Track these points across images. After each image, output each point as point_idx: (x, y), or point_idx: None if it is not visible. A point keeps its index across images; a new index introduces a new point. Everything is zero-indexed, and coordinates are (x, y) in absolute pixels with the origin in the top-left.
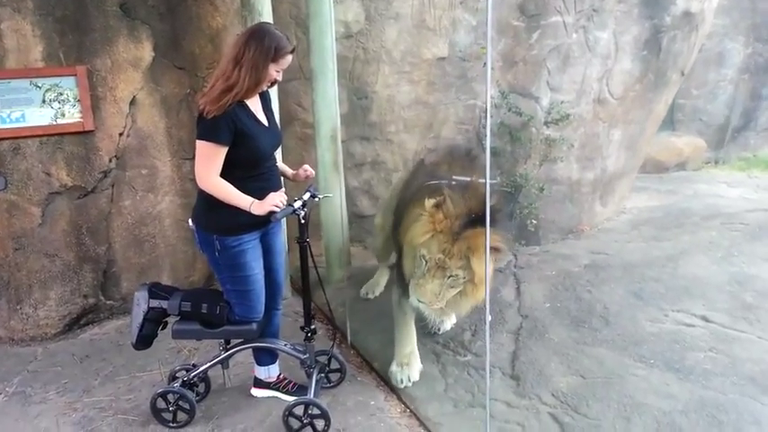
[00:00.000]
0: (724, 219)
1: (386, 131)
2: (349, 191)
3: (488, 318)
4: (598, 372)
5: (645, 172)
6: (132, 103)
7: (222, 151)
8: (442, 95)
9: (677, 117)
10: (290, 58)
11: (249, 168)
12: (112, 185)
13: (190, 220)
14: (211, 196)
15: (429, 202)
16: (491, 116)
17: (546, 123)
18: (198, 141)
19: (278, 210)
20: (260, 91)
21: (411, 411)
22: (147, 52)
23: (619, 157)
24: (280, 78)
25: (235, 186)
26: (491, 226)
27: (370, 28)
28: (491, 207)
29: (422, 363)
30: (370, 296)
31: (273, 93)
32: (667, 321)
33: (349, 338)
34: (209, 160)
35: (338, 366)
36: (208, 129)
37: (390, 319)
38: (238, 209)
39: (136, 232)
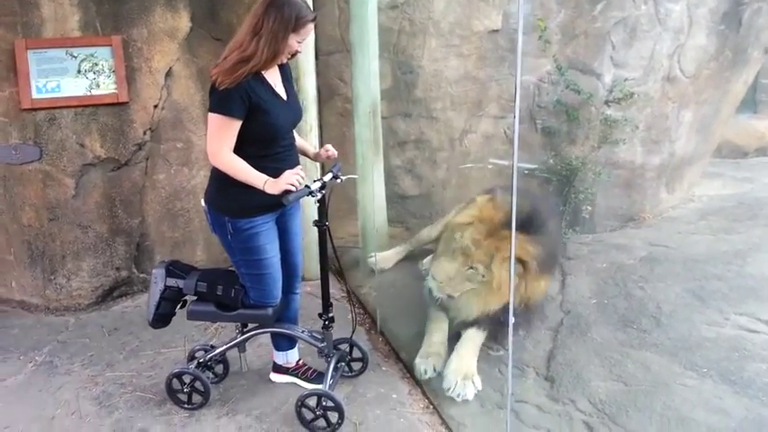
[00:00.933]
0: None
1: (431, 108)
2: (391, 169)
3: (512, 319)
4: (643, 379)
5: (720, 157)
6: (168, 74)
7: (235, 125)
8: (494, 71)
9: (760, 98)
10: (311, 27)
11: (264, 146)
12: (147, 158)
13: (202, 200)
14: (224, 175)
15: (483, 195)
16: (540, 94)
17: (607, 102)
18: (210, 114)
19: (294, 189)
20: (279, 63)
21: (434, 408)
22: (184, 22)
23: (689, 141)
24: (301, 50)
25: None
26: (535, 234)
27: None
28: (539, 215)
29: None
30: (375, 267)
31: (311, 66)
32: (727, 325)
33: (378, 325)
34: (222, 135)
35: (360, 355)
36: (220, 101)
37: (421, 308)
38: (252, 188)
39: (170, 206)
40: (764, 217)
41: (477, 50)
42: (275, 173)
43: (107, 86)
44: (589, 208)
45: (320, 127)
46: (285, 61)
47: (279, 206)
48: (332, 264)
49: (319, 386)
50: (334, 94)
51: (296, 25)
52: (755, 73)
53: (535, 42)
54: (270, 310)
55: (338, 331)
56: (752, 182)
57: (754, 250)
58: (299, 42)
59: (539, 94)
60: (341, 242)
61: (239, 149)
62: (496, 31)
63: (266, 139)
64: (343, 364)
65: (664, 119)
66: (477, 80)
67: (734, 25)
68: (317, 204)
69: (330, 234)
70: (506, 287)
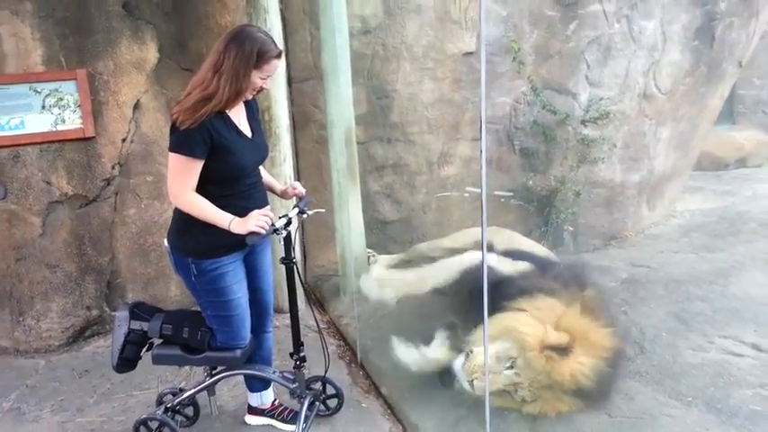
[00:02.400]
0: None
1: (408, 132)
2: (370, 195)
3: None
4: (627, 409)
5: (701, 169)
6: (136, 107)
7: (197, 165)
8: (469, 93)
9: (738, 109)
10: (276, 63)
11: (228, 185)
12: (116, 193)
13: (165, 241)
14: (186, 215)
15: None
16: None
17: (583, 122)
18: (170, 154)
19: (262, 231)
20: (242, 100)
21: None
22: (151, 53)
23: (668, 157)
24: (267, 86)
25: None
26: None
27: (390, 22)
28: None
29: (434, 392)
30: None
31: (282, 94)
32: (712, 350)
33: (359, 357)
34: (183, 175)
35: (334, 392)
36: (181, 141)
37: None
38: (216, 228)
39: (141, 242)
40: (747, 233)
41: (451, 73)
42: (241, 211)
43: (73, 122)
44: (570, 228)
45: (296, 155)
46: (250, 97)
47: (245, 245)
48: (311, 294)
49: (291, 427)
50: (309, 120)
51: (258, 62)
52: (731, 87)
53: (509, 64)
54: (238, 352)
55: (315, 366)
56: (733, 195)
57: (737, 268)
58: (263, 79)
59: (515, 115)
60: (321, 270)
61: (202, 189)
62: (471, 53)
63: (230, 179)
64: (317, 402)
65: (641, 136)
66: (453, 103)
67: (707, 40)
68: (282, 242)
69: (299, 270)
70: None
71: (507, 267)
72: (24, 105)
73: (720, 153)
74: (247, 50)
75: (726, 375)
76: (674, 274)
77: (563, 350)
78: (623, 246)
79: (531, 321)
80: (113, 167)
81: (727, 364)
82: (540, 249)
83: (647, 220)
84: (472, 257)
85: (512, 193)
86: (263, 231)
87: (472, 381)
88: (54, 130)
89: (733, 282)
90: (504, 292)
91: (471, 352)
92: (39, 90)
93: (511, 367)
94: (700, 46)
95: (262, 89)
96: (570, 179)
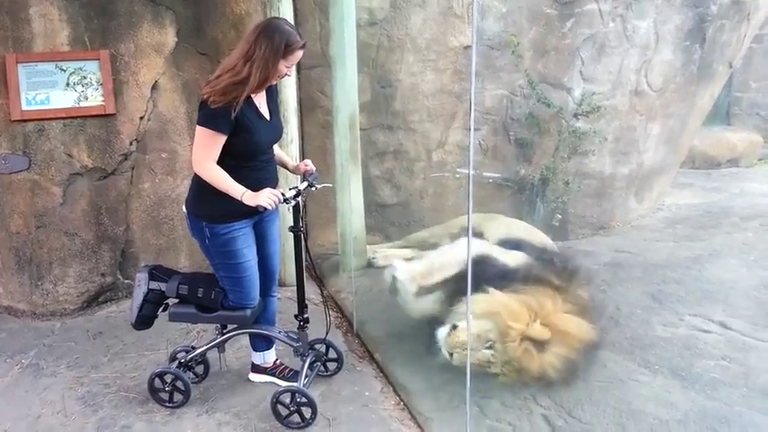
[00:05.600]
0: (765, 220)
1: (409, 120)
2: (371, 179)
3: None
4: (599, 375)
5: (694, 167)
6: (154, 87)
7: (221, 140)
8: (468, 84)
9: (733, 111)
10: (299, 53)
11: (244, 159)
12: (132, 168)
13: (183, 207)
14: (204, 183)
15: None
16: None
17: (576, 115)
18: (198, 127)
19: (269, 208)
20: (268, 85)
21: (404, 404)
22: (170, 37)
23: (657, 152)
24: (290, 74)
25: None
26: None
27: (395, 15)
28: None
29: (423, 355)
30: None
31: (291, 79)
32: (682, 326)
33: (355, 327)
34: (208, 147)
35: (335, 356)
36: (210, 117)
37: (395, 311)
38: (229, 197)
39: (154, 214)
40: (728, 225)
41: (452, 65)
42: (254, 182)
43: (95, 99)
44: (560, 216)
45: (302, 138)
46: (274, 84)
47: (255, 213)
48: (311, 270)
49: (294, 383)
50: (315, 106)
51: (285, 52)
52: (721, 86)
53: (508, 58)
54: (248, 312)
55: (316, 333)
56: (720, 192)
57: (714, 256)
58: (288, 67)
59: (511, 107)
60: (322, 249)
61: (221, 161)
62: (470, 46)
63: (247, 154)
64: (319, 363)
65: (632, 131)
66: (453, 93)
67: (699, 41)
68: (291, 211)
69: (306, 239)
70: None
71: (501, 256)
72: (50, 82)
73: (713, 152)
74: (276, 42)
75: (692, 348)
76: (654, 260)
77: (541, 344)
78: (610, 235)
79: (517, 310)
80: (131, 143)
81: (695, 339)
82: (538, 237)
83: (634, 212)
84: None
85: (498, 175)
86: (270, 207)
87: (452, 353)
88: (77, 106)
89: (708, 267)
90: (495, 279)
91: (455, 327)
92: (64, 68)
93: (489, 348)
94: (691, 46)
95: (285, 75)
96: (561, 170)
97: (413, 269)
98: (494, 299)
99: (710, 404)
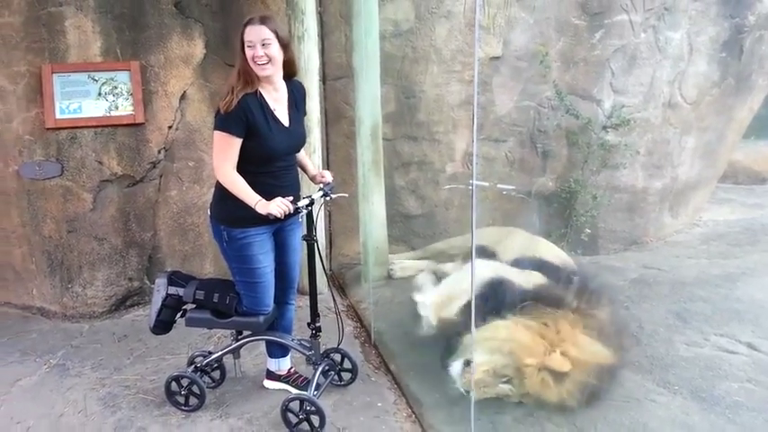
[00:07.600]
0: None
1: (433, 131)
2: (395, 190)
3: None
4: (615, 394)
5: (736, 182)
6: (182, 97)
7: (236, 143)
8: (494, 96)
9: None
10: (249, 29)
11: (260, 165)
12: (160, 176)
13: (209, 209)
14: (224, 188)
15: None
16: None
17: (605, 128)
18: (214, 133)
19: (279, 215)
20: (260, 76)
21: (416, 417)
22: (198, 49)
23: (692, 166)
24: (258, 53)
25: (246, 180)
26: None
27: (420, 26)
28: None
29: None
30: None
31: (315, 90)
32: (706, 346)
33: (372, 338)
34: (224, 151)
35: (350, 366)
36: (221, 120)
37: (413, 323)
38: (245, 203)
39: (181, 221)
40: (766, 243)
41: (478, 76)
42: (270, 189)
43: (125, 108)
44: (589, 230)
45: (327, 148)
46: (266, 73)
47: (272, 221)
48: (332, 279)
49: (304, 392)
50: (340, 116)
51: (242, 33)
52: (761, 99)
53: (535, 69)
54: (261, 318)
55: (333, 342)
56: (762, 208)
57: (747, 275)
58: (250, 47)
59: (539, 118)
60: (347, 259)
61: (240, 166)
62: (497, 57)
63: (263, 159)
64: (332, 372)
65: (665, 144)
66: (479, 104)
67: (735, 53)
68: (302, 219)
69: (318, 248)
70: None
71: (517, 277)
72: (83, 92)
73: (758, 167)
74: (239, 33)
75: (715, 369)
76: (683, 277)
77: (560, 375)
78: (642, 250)
79: (532, 344)
80: (159, 152)
81: (719, 360)
82: (558, 256)
83: (669, 228)
84: (483, 272)
85: (513, 187)
86: (280, 215)
87: (468, 391)
88: (108, 115)
89: (739, 286)
90: (511, 303)
91: (469, 364)
92: (96, 78)
93: (506, 383)
94: (727, 58)
95: (257, 58)
96: (591, 183)
97: (434, 301)
98: (508, 332)
99: (731, 428)
